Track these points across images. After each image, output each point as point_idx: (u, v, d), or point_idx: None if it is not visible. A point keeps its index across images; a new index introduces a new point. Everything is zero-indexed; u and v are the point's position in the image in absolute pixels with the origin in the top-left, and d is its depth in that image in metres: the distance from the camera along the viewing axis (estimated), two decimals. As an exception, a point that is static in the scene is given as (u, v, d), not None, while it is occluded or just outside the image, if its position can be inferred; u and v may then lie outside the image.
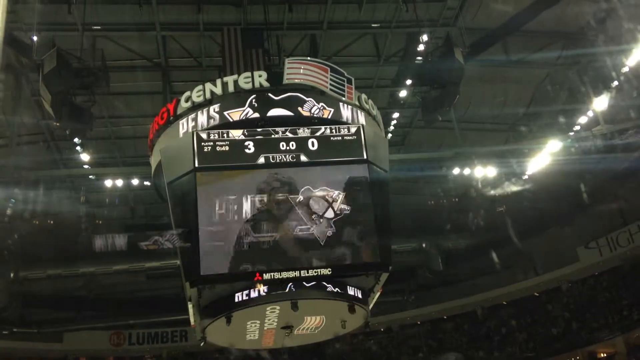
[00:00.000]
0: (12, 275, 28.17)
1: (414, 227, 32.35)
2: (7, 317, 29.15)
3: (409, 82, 22.38)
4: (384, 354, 35.29)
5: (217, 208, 13.23)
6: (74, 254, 29.24)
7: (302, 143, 14.09)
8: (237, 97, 14.79)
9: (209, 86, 14.88)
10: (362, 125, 14.82)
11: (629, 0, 19.34)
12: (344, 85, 15.08)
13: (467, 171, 24.28)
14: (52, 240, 27.73)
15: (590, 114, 23.68)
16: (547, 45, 23.75)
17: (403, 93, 23.63)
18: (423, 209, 32.26)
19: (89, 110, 18.98)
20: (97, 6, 19.31)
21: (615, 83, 22.12)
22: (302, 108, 14.66)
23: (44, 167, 23.44)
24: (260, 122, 14.35)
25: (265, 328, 14.41)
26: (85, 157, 22.50)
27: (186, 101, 14.89)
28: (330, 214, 13.63)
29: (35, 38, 17.96)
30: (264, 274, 12.75)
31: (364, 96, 15.85)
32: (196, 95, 14.84)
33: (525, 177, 25.77)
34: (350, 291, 13.79)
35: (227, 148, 13.79)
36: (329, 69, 15.13)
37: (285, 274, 12.84)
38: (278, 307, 13.34)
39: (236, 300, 13.28)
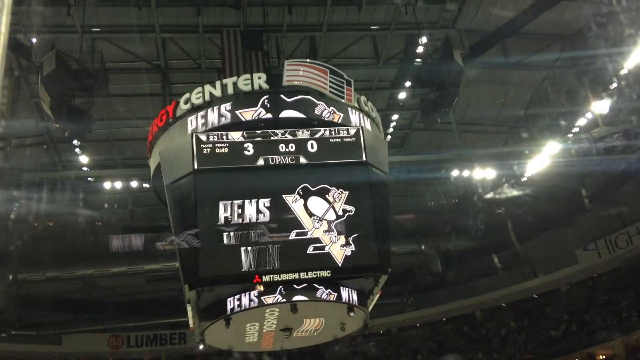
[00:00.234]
0: (10, 277, 28.17)
1: (413, 228, 32.41)
2: (6, 320, 29.15)
3: (408, 84, 22.38)
4: (383, 356, 35.28)
5: (216, 210, 13.24)
6: (72, 256, 29.29)
7: (301, 145, 14.09)
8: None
9: (208, 88, 14.86)
10: (362, 127, 14.84)
11: (627, 3, 19.38)
12: (343, 87, 15.08)
13: (466, 173, 24.30)
14: (51, 242, 27.73)
15: (589, 116, 23.72)
16: (545, 48, 23.78)
17: (402, 95, 23.63)
18: (422, 211, 32.31)
19: (88, 112, 18.98)
20: (96, 8, 19.30)
21: (614, 85, 22.15)
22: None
23: (42, 169, 23.42)
24: (261, 124, 14.37)
25: (264, 330, 14.39)
26: (84, 159, 22.50)
27: (185, 103, 14.88)
28: (330, 216, 13.64)
29: (34, 40, 17.97)
30: (264, 276, 12.76)
31: (363, 98, 15.86)
32: (195, 98, 14.82)
33: (524, 179, 25.81)
34: (344, 293, 13.67)
35: (226, 150, 13.79)
36: (328, 71, 15.12)
37: (284, 276, 12.85)
38: (277, 310, 13.31)
39: (229, 305, 13.29)
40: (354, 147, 14.34)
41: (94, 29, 20.24)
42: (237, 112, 14.38)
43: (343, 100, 15.03)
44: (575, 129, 24.37)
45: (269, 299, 12.99)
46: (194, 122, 14.57)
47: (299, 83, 14.88)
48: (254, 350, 17.03)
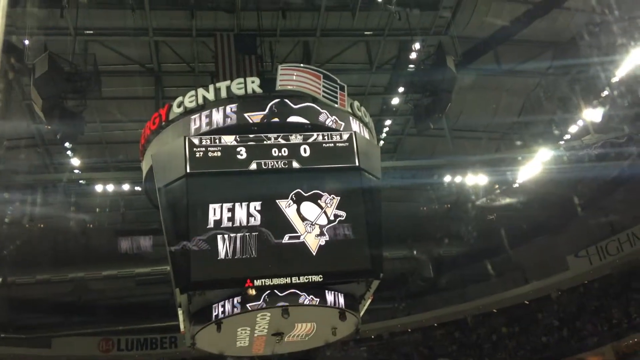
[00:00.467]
0: (0, 280, 27.97)
1: (405, 234, 32.43)
2: (-4, 323, 28.94)
3: (401, 89, 22.43)
4: (374, 361, 35.25)
5: (208, 214, 13.22)
6: (63, 259, 29.13)
7: (294, 149, 14.14)
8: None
9: (201, 92, 14.88)
10: (355, 132, 14.88)
11: (618, 12, 19.52)
12: (336, 92, 15.13)
13: (458, 179, 24.36)
14: (42, 245, 27.57)
15: (580, 123, 23.83)
16: (538, 55, 23.94)
17: (395, 100, 23.68)
18: (415, 216, 32.33)
19: (81, 115, 18.89)
20: (89, 11, 19.26)
21: (605, 93, 22.28)
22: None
23: (34, 171, 23.28)
24: (255, 127, 14.41)
25: (255, 335, 14.36)
26: (75, 161, 22.37)
27: (178, 106, 14.89)
28: (322, 220, 13.66)
29: (27, 42, 17.91)
30: (255, 280, 12.75)
31: (356, 103, 15.91)
32: (188, 101, 14.83)
33: (516, 185, 25.88)
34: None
35: (219, 154, 13.82)
36: (321, 75, 15.18)
37: (276, 280, 12.84)
38: (269, 314, 13.30)
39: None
40: (347, 152, 14.39)
41: (87, 32, 20.23)
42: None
43: (336, 105, 15.08)
44: (567, 136, 24.48)
45: (252, 306, 13.00)
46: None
47: (292, 87, 14.95)
48: (245, 354, 16.97)
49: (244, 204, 13.37)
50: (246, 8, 20.22)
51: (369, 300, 15.21)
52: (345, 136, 14.57)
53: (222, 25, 20.78)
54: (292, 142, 14.22)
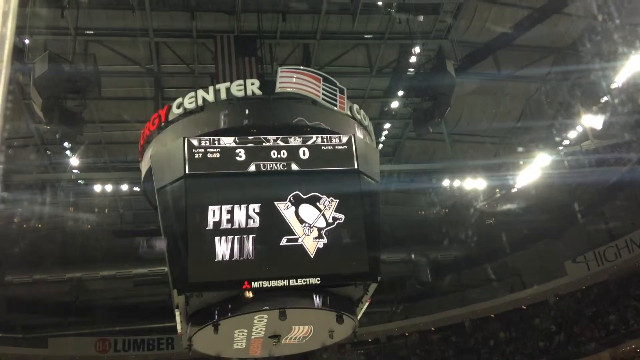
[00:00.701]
0: (-3, 279, 27.92)
1: (403, 237, 32.41)
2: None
3: (400, 93, 22.41)
4: (371, 364, 35.23)
5: (206, 215, 13.20)
6: (61, 259, 29.08)
7: (293, 152, 14.12)
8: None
9: (201, 93, 14.88)
10: (353, 135, 14.88)
11: (618, 18, 19.55)
12: (336, 95, 15.14)
13: (457, 183, 24.36)
14: (40, 244, 27.54)
15: (579, 128, 23.85)
16: (538, 60, 23.97)
17: (395, 104, 23.67)
18: (413, 220, 32.34)
19: (80, 115, 18.88)
20: (90, 11, 19.27)
21: (605, 99, 22.31)
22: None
23: (33, 170, 23.26)
24: (254, 129, 14.41)
25: (252, 337, 14.32)
26: (74, 161, 22.36)
27: (178, 107, 14.88)
28: (320, 223, 13.64)
29: (27, 41, 17.88)
30: (253, 282, 12.73)
31: (355, 106, 15.92)
32: (188, 102, 14.83)
33: (515, 190, 25.89)
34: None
35: (218, 155, 13.78)
36: (321, 78, 15.19)
37: (274, 283, 12.82)
38: (266, 316, 13.26)
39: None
40: (346, 155, 14.37)
41: (88, 32, 20.22)
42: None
43: (336, 108, 15.08)
44: (566, 142, 24.51)
45: (249, 308, 12.96)
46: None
47: (292, 90, 14.96)
48: (241, 356, 16.94)
49: (243, 206, 13.36)
50: (247, 10, 20.23)
51: (367, 304, 15.19)
52: (345, 139, 14.56)
53: (222, 26, 20.80)
54: (291, 144, 14.21)
